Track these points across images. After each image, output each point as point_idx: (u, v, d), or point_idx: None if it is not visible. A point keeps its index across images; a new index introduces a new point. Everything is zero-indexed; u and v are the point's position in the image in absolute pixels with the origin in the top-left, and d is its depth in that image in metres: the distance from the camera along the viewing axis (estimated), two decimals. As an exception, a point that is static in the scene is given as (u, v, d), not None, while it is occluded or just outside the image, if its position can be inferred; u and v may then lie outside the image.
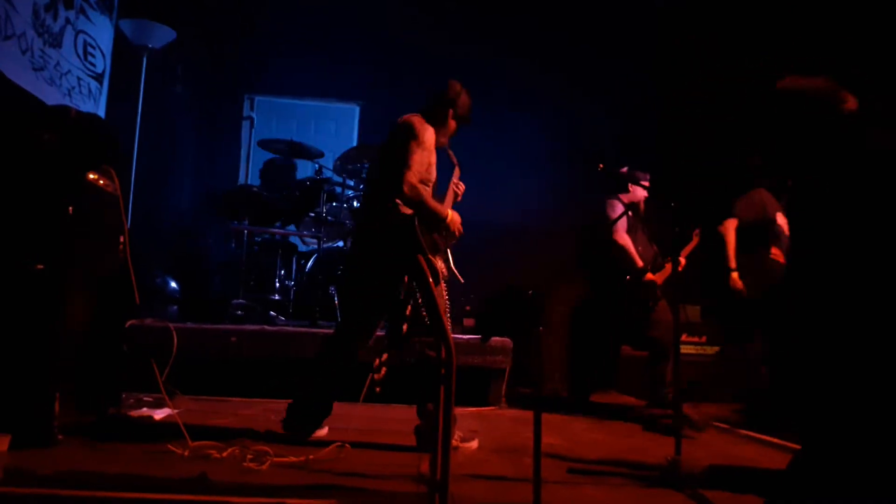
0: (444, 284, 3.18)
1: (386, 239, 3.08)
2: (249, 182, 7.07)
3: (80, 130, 3.07)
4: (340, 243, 5.75)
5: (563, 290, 5.28)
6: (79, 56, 4.98)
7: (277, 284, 5.60)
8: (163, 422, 3.33)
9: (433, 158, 3.18)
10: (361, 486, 2.46)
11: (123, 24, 5.55)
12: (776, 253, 4.02)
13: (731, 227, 4.29)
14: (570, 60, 6.87)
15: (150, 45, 5.58)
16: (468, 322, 5.52)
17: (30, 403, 2.75)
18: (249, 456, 2.67)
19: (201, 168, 7.03)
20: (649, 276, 4.23)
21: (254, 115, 7.42)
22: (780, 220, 4.04)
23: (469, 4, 6.98)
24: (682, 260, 4.28)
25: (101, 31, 5.31)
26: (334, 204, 5.79)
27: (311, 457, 2.73)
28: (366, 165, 5.62)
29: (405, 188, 3.00)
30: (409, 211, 3.06)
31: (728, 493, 2.60)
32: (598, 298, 4.58)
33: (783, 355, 3.61)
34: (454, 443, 3.02)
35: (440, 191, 3.36)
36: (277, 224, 5.90)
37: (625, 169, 4.45)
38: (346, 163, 5.88)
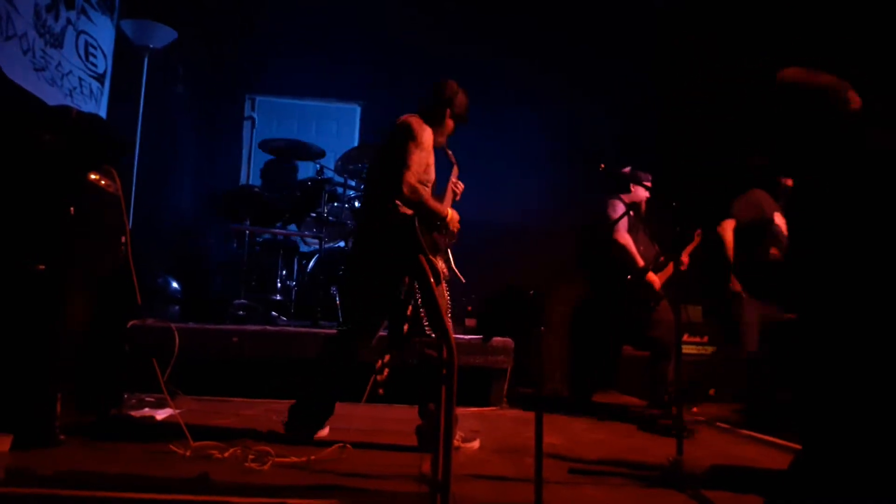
0: (445, 284, 3.18)
1: (386, 239, 3.09)
2: (251, 182, 7.07)
3: (82, 131, 3.07)
4: (342, 243, 5.75)
5: (564, 290, 5.28)
6: (80, 56, 4.99)
7: (279, 284, 5.60)
8: (164, 422, 3.33)
9: (431, 158, 3.19)
10: (363, 486, 2.47)
11: (125, 24, 5.55)
12: (775, 253, 4.01)
13: (728, 228, 4.29)
14: (569, 61, 6.87)
15: (151, 46, 5.58)
16: (470, 322, 5.53)
17: (31, 403, 2.75)
18: (251, 456, 2.68)
19: (202, 168, 7.03)
20: (650, 275, 4.23)
21: (255, 116, 7.42)
22: (778, 220, 4.03)
23: (469, 4, 6.98)
24: (685, 259, 4.28)
25: (103, 32, 5.32)
26: (336, 204, 5.79)
27: (312, 457, 2.73)
28: (367, 165, 5.62)
29: (404, 189, 3.01)
30: (408, 211, 3.07)
31: (729, 494, 2.60)
32: (598, 298, 4.58)
33: (784, 357, 3.62)
34: (456, 443, 3.02)
35: (439, 190, 3.37)
36: (279, 224, 5.90)
37: (627, 169, 4.45)
38: (347, 163, 5.89)
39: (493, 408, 4.52)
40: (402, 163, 3.03)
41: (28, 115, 3.69)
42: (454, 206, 3.38)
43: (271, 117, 7.39)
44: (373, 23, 6.80)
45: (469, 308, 5.63)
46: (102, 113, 5.27)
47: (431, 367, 2.91)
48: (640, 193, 4.47)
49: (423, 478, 2.53)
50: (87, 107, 5.02)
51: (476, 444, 3.23)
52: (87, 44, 5.07)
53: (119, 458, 2.68)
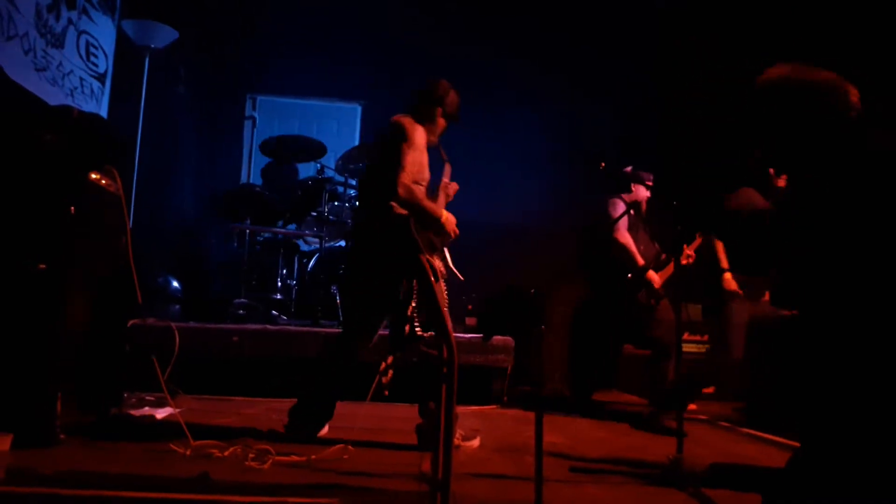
0: (443, 283, 3.19)
1: (383, 240, 3.10)
2: (251, 182, 7.08)
3: (83, 131, 3.07)
4: (342, 242, 5.76)
5: (564, 290, 5.29)
6: (81, 56, 4.99)
7: (279, 284, 5.61)
8: (165, 421, 3.34)
9: (425, 158, 3.20)
10: (363, 485, 2.47)
11: (126, 24, 5.56)
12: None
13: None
14: (570, 61, 6.87)
15: (152, 46, 5.59)
16: (470, 321, 5.53)
17: (31, 403, 2.75)
18: (251, 455, 2.68)
19: (203, 168, 7.04)
20: (650, 274, 4.23)
21: (256, 115, 7.43)
22: None
23: (470, 5, 6.98)
24: (692, 253, 4.26)
25: (104, 32, 5.33)
26: (336, 203, 5.80)
27: (313, 456, 2.73)
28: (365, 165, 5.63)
29: (399, 190, 3.02)
30: (403, 212, 3.08)
31: (730, 492, 2.60)
32: (598, 298, 4.58)
33: (784, 355, 3.61)
34: (456, 441, 3.03)
35: (434, 188, 3.38)
36: (279, 223, 5.91)
37: (629, 168, 4.45)
38: (348, 162, 5.90)
39: (494, 406, 4.52)
40: (397, 164, 3.05)
41: (29, 115, 3.70)
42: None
43: (272, 117, 7.39)
44: (374, 23, 6.80)
45: (469, 307, 5.64)
46: (103, 113, 5.28)
47: (431, 365, 2.91)
48: (641, 193, 4.47)
49: (424, 476, 2.53)
50: (88, 107, 5.03)
51: (476, 442, 3.24)
52: (88, 44, 5.08)
53: (119, 457, 2.68)
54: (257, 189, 5.86)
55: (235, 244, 5.85)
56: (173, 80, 6.39)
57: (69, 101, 4.73)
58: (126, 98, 5.47)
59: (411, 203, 3.06)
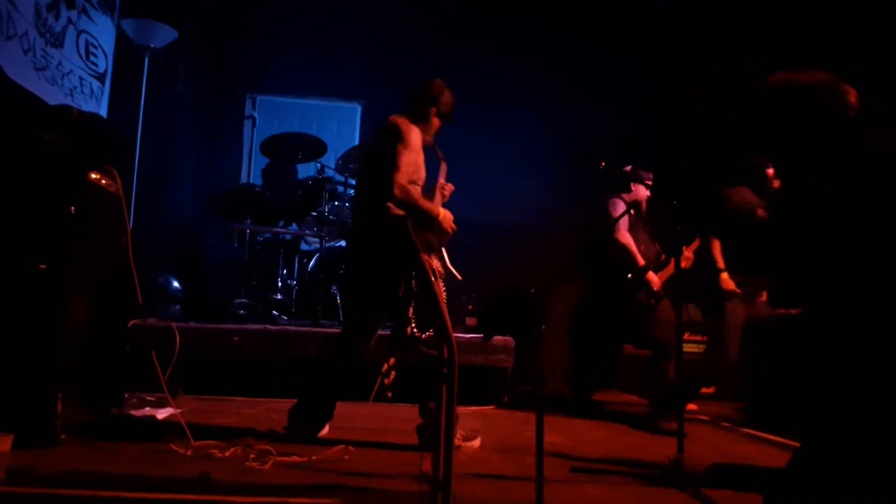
0: (441, 283, 3.19)
1: (380, 240, 3.10)
2: (251, 181, 7.08)
3: (82, 130, 3.07)
4: (343, 242, 5.76)
5: (564, 289, 5.29)
6: (81, 56, 4.99)
7: (279, 284, 5.61)
8: (165, 421, 3.33)
9: (420, 158, 3.21)
10: (364, 485, 2.47)
11: (125, 23, 5.55)
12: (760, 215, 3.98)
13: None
14: (570, 60, 6.87)
15: (151, 45, 5.59)
16: (470, 321, 5.53)
17: (32, 403, 2.75)
18: (252, 455, 2.68)
19: (203, 168, 7.03)
20: (650, 275, 4.23)
21: (255, 115, 7.42)
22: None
23: (469, 4, 6.98)
24: (690, 256, 4.26)
25: (103, 31, 5.32)
26: (336, 203, 5.80)
27: (314, 457, 2.73)
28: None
29: (395, 190, 3.03)
30: (400, 212, 3.08)
31: (731, 492, 2.61)
32: (598, 298, 4.58)
33: (782, 355, 3.61)
34: (456, 442, 3.03)
35: (430, 188, 3.38)
36: (280, 223, 5.91)
37: (628, 168, 4.45)
38: (348, 162, 5.90)
39: (491, 406, 4.52)
40: (392, 164, 3.05)
41: (29, 115, 3.70)
42: (449, 207, 3.39)
43: (272, 116, 7.39)
44: (373, 22, 6.80)
45: (470, 307, 5.64)
46: (103, 112, 5.27)
47: (431, 366, 2.92)
48: (641, 192, 4.47)
49: (424, 477, 2.53)
50: (88, 106, 5.03)
51: (477, 442, 3.24)
52: (87, 43, 5.08)
53: (120, 457, 2.68)
54: (257, 189, 5.86)
55: (236, 244, 5.85)
56: (173, 79, 6.39)
57: (69, 101, 4.73)
58: (126, 98, 5.47)
59: (407, 203, 3.07)
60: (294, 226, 5.95)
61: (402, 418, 3.48)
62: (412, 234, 3.03)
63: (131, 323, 3.95)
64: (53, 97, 4.51)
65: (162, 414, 3.45)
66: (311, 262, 5.66)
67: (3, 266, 2.80)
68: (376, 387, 2.88)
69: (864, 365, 1.74)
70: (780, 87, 2.00)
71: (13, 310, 2.77)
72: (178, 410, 3.14)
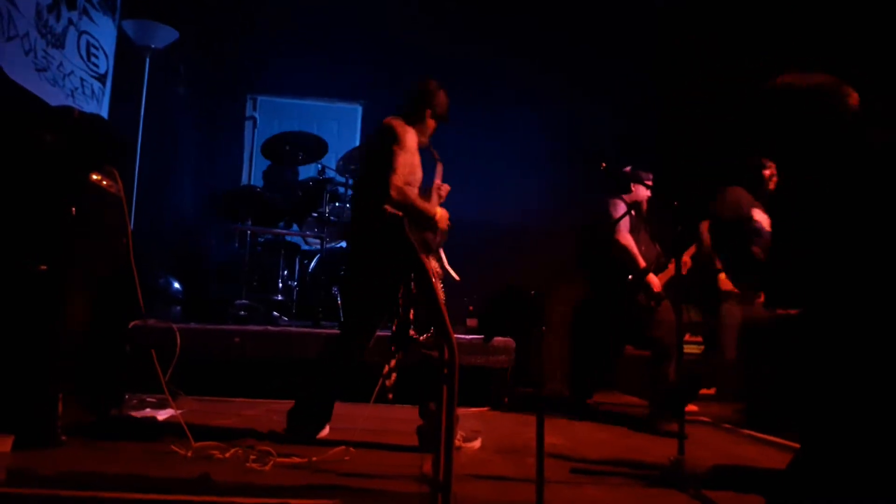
0: (439, 283, 3.19)
1: (378, 241, 3.11)
2: (252, 182, 7.08)
3: (83, 131, 3.07)
4: (343, 243, 5.76)
5: (564, 289, 5.29)
6: (82, 57, 4.99)
7: (280, 285, 5.61)
8: (166, 422, 3.34)
9: (416, 159, 3.22)
10: (364, 486, 2.47)
11: (126, 24, 5.56)
12: (756, 251, 3.97)
13: (706, 230, 4.24)
14: (570, 60, 6.87)
15: (152, 46, 5.59)
16: (471, 322, 5.53)
17: (32, 404, 2.75)
18: (252, 456, 2.68)
19: (204, 168, 7.04)
20: (651, 276, 4.23)
21: (256, 116, 7.43)
22: (758, 216, 3.99)
23: (469, 4, 6.98)
24: (687, 260, 4.26)
25: (104, 32, 5.32)
26: (337, 204, 5.80)
27: (314, 458, 2.73)
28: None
29: (392, 192, 3.04)
30: (397, 212, 3.09)
31: (731, 493, 2.60)
32: (598, 298, 4.58)
33: (780, 355, 3.61)
34: (456, 443, 3.03)
35: (426, 187, 3.38)
36: (280, 224, 5.91)
37: (628, 168, 4.44)
38: (348, 163, 5.90)
39: (485, 409, 4.51)
40: (388, 166, 3.07)
41: (30, 116, 3.70)
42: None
43: (272, 117, 7.39)
44: (374, 22, 6.80)
45: (471, 308, 5.64)
46: (104, 113, 5.27)
47: (431, 366, 2.92)
48: (642, 193, 4.46)
49: (425, 478, 2.53)
50: (89, 107, 5.03)
51: (477, 443, 3.24)
52: (88, 44, 5.08)
53: (120, 458, 2.68)
54: (258, 190, 5.86)
55: (236, 245, 5.86)
56: (174, 80, 6.39)
57: (70, 102, 4.73)
58: (127, 98, 5.47)
59: (404, 204, 3.08)
60: (295, 227, 5.96)
61: (403, 419, 3.48)
62: (409, 234, 3.04)
63: (132, 324, 3.94)
64: (54, 98, 4.51)
65: (162, 415, 3.45)
66: (312, 263, 5.66)
67: (4, 266, 2.80)
68: (377, 388, 2.88)
69: (864, 365, 1.74)
70: (783, 88, 2.01)
71: (13, 310, 2.78)
72: (179, 411, 3.13)
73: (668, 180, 4.89)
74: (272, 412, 3.59)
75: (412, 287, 3.00)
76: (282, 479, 2.48)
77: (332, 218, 5.68)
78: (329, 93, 7.38)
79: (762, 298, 3.95)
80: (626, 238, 4.30)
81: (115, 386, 3.43)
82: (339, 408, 3.26)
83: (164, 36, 5.60)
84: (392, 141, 3.11)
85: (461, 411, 3.10)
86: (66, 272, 2.88)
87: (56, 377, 2.81)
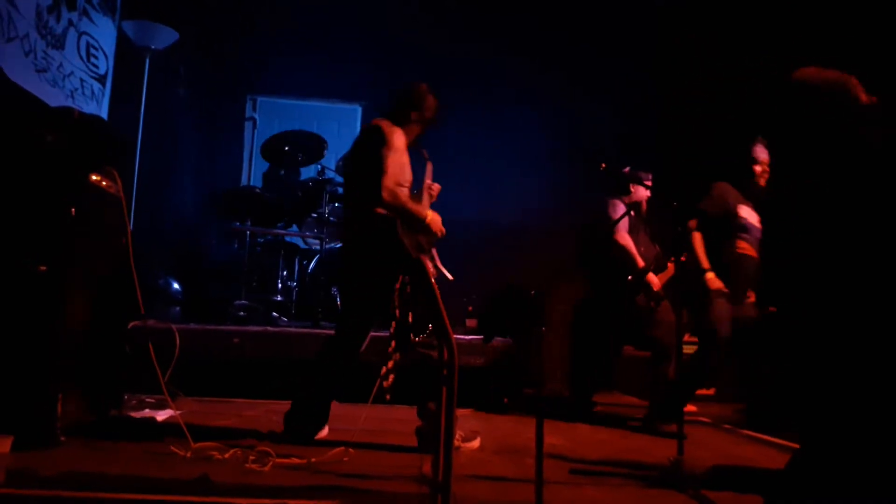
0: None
1: (370, 243, 3.11)
2: (252, 183, 7.08)
3: (83, 132, 3.08)
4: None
5: (564, 289, 5.28)
6: (81, 58, 4.99)
7: (280, 285, 5.61)
8: (165, 423, 3.33)
9: (406, 158, 3.22)
10: (363, 487, 2.47)
11: (126, 25, 5.56)
12: (744, 247, 3.95)
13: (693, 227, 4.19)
14: (570, 59, 6.87)
15: (152, 47, 5.60)
16: (471, 323, 5.53)
17: (31, 404, 2.75)
18: (252, 457, 2.68)
19: (204, 169, 7.04)
20: (650, 276, 4.23)
21: (256, 116, 7.43)
22: (744, 213, 3.97)
23: (469, 4, 6.98)
24: (683, 260, 4.24)
25: (104, 33, 5.32)
26: (337, 205, 5.80)
27: (313, 458, 2.73)
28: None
29: (384, 194, 3.04)
30: (389, 215, 3.08)
31: (731, 494, 2.60)
32: (598, 298, 4.58)
33: (783, 355, 3.60)
34: (456, 442, 3.03)
35: (416, 187, 3.38)
36: (280, 225, 5.91)
37: (627, 169, 4.44)
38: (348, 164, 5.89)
39: (492, 408, 4.51)
40: (379, 169, 3.06)
41: (30, 116, 3.70)
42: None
43: (272, 118, 7.40)
44: (374, 22, 6.80)
45: (470, 308, 5.63)
46: (104, 114, 5.28)
47: (430, 367, 2.92)
48: (641, 193, 4.46)
49: (424, 478, 2.53)
50: (89, 108, 5.03)
51: (476, 443, 3.24)
52: (88, 45, 5.08)
53: (119, 458, 2.68)
54: (258, 190, 5.87)
55: (236, 245, 5.86)
56: (173, 81, 6.39)
57: (69, 103, 4.73)
58: (126, 99, 5.47)
59: (396, 206, 3.08)
60: (294, 227, 5.96)
61: (401, 420, 3.48)
62: (401, 236, 3.04)
63: (131, 324, 3.94)
64: (54, 99, 4.51)
65: (162, 415, 3.45)
66: (312, 264, 5.66)
67: (4, 266, 2.80)
68: (375, 389, 2.88)
69: (865, 365, 1.74)
70: (797, 83, 2.01)
71: (13, 310, 2.78)
72: (178, 412, 3.13)
73: (668, 180, 4.88)
74: (271, 413, 3.59)
75: (407, 289, 3.01)
76: (281, 479, 2.48)
77: (331, 218, 5.68)
78: (329, 93, 7.38)
79: (752, 298, 3.93)
80: (625, 238, 4.30)
81: (114, 386, 3.43)
82: (338, 408, 3.26)
83: (163, 37, 5.60)
84: (381, 142, 3.11)
85: (460, 412, 3.10)
86: (66, 272, 2.88)
87: (56, 377, 2.81)
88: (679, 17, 6.74)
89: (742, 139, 4.00)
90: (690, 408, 4.70)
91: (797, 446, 1.92)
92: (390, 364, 2.93)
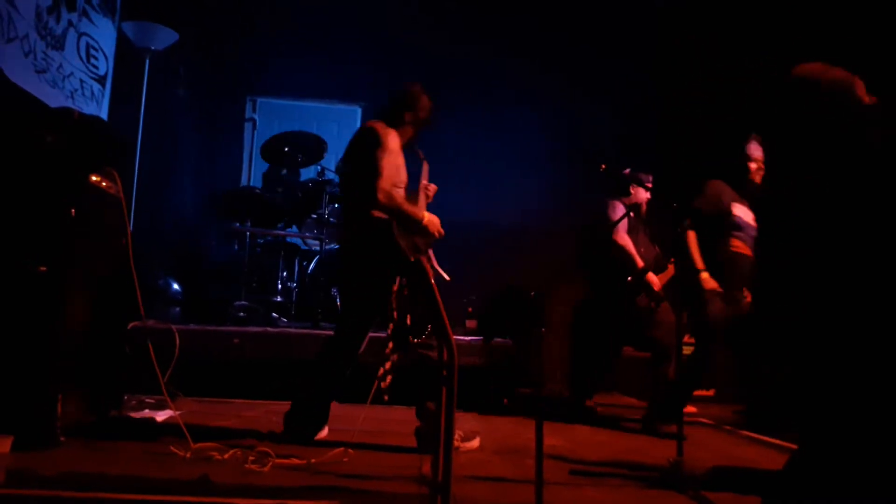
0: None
1: (367, 245, 3.12)
2: (252, 184, 7.08)
3: (83, 132, 3.08)
4: (342, 244, 5.76)
5: (564, 290, 5.28)
6: (81, 58, 4.99)
7: (279, 286, 5.61)
8: (165, 423, 3.33)
9: (401, 160, 3.22)
10: (363, 487, 2.47)
11: (126, 26, 5.56)
12: (738, 245, 3.94)
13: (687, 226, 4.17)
14: (570, 60, 6.88)
15: (152, 47, 5.60)
16: (470, 324, 5.53)
17: (31, 404, 2.75)
18: (251, 458, 2.68)
19: (203, 170, 7.04)
20: (650, 276, 4.23)
21: (256, 117, 7.43)
22: (738, 210, 3.96)
23: (469, 4, 6.98)
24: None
25: (104, 34, 5.33)
26: (336, 206, 5.80)
27: (313, 459, 2.73)
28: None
29: (380, 196, 3.05)
30: (384, 216, 3.08)
31: (730, 495, 2.60)
32: (598, 298, 4.58)
33: (783, 356, 3.60)
34: (455, 443, 3.02)
35: (413, 188, 3.38)
36: (280, 225, 5.91)
37: (627, 170, 4.44)
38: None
39: (493, 409, 4.50)
40: (374, 170, 3.07)
41: (29, 117, 3.70)
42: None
43: (272, 118, 7.40)
44: (374, 22, 6.80)
45: (470, 309, 5.63)
46: (104, 114, 5.28)
47: (429, 367, 2.92)
48: (641, 194, 4.46)
49: (424, 479, 2.53)
50: (89, 109, 5.03)
51: (476, 442, 3.24)
52: (88, 46, 5.08)
53: (119, 459, 2.69)
54: (257, 191, 5.87)
55: (236, 246, 5.86)
56: (173, 81, 6.39)
57: (69, 104, 4.73)
58: (126, 100, 5.48)
59: (392, 208, 3.08)
60: (294, 228, 5.96)
61: (401, 420, 3.48)
62: (397, 237, 3.04)
63: (131, 324, 3.94)
64: (54, 99, 4.51)
65: (161, 416, 3.45)
66: (311, 265, 5.66)
67: (4, 266, 2.80)
68: (373, 389, 2.88)
69: (864, 365, 1.74)
70: (800, 80, 2.01)
71: (13, 310, 2.78)
72: (178, 412, 3.13)
73: (668, 181, 4.88)
74: (271, 413, 3.59)
75: (405, 291, 3.01)
76: (281, 480, 2.48)
77: (331, 219, 5.68)
78: (328, 94, 7.38)
79: (748, 298, 3.91)
80: (624, 238, 4.30)
81: (114, 387, 3.43)
82: (337, 409, 3.26)
83: (163, 38, 5.60)
84: (376, 144, 3.11)
85: (460, 413, 3.10)
86: (66, 272, 2.88)
87: (56, 378, 2.81)
88: (679, 18, 6.75)
89: (742, 140, 4.00)
90: (690, 409, 4.70)
91: (796, 447, 1.91)
92: (388, 365, 2.93)
